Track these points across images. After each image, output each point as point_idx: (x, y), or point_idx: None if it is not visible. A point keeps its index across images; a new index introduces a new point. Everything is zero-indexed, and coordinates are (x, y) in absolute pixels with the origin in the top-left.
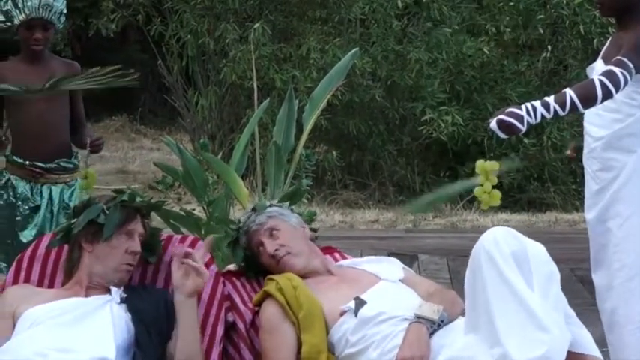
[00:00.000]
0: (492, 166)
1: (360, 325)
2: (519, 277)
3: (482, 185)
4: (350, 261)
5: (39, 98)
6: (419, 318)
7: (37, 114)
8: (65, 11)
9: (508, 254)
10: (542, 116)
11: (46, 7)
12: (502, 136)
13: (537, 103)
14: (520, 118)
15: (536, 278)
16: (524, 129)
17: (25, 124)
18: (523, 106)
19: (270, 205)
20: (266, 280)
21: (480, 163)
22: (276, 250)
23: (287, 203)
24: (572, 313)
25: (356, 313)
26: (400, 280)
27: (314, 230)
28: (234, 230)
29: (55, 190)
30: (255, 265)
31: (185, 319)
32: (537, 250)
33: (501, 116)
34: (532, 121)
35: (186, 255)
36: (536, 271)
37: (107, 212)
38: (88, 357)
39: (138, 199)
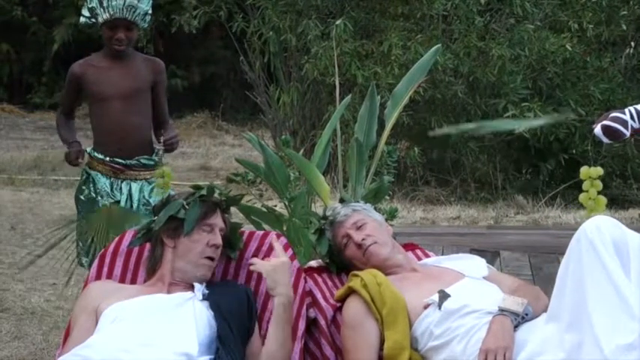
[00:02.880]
0: (597, 171)
1: (443, 318)
2: (617, 265)
3: (586, 191)
4: (433, 259)
5: (120, 97)
6: (503, 311)
7: (118, 112)
8: (150, 11)
9: (609, 241)
10: None
11: (130, 8)
12: (606, 141)
13: None
14: (625, 123)
15: (635, 268)
16: (628, 134)
17: (106, 122)
18: (627, 111)
19: (356, 201)
20: (350, 276)
21: (584, 169)
22: (363, 239)
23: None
24: None
25: (440, 305)
26: (484, 277)
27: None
28: (321, 220)
29: (135, 186)
30: (338, 259)
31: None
32: (639, 242)
33: (606, 122)
34: (636, 126)
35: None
36: (635, 262)
37: (187, 207)
38: (171, 353)
39: (217, 194)
